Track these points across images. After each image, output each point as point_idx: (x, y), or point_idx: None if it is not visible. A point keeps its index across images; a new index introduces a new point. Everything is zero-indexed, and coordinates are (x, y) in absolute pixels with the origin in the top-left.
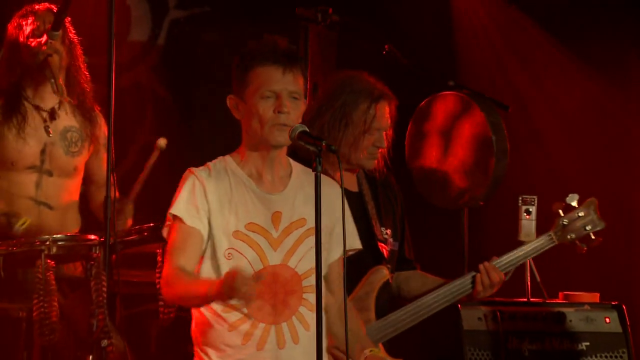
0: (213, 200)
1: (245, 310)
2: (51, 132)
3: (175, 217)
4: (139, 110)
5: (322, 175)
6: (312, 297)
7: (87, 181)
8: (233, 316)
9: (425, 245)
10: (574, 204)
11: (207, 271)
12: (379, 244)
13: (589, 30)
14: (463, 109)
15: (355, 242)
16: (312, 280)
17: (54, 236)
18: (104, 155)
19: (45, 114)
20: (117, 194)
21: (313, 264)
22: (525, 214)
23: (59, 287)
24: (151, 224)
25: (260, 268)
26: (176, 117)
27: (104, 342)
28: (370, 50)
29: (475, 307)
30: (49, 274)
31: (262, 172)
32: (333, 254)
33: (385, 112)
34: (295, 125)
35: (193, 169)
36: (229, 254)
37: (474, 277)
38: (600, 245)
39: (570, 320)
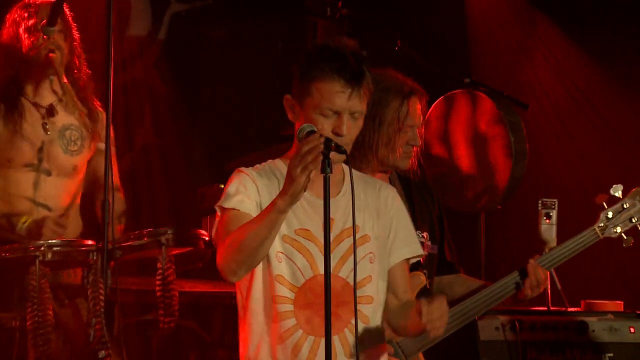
0: (264, 196)
1: (294, 320)
2: (49, 129)
3: (224, 209)
4: (139, 109)
5: (374, 178)
6: (365, 308)
7: (91, 183)
8: (282, 327)
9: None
10: (619, 194)
11: (259, 275)
12: None
13: (610, 25)
14: (480, 108)
15: (417, 249)
16: (366, 290)
17: (49, 241)
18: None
19: (43, 111)
20: (123, 204)
21: (366, 274)
22: (545, 218)
23: (54, 295)
24: (150, 229)
25: (311, 276)
26: (178, 116)
27: (102, 354)
28: (381, 45)
29: (492, 316)
30: (43, 281)
31: (313, 176)
32: (394, 257)
33: (417, 108)
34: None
35: (242, 168)
36: (278, 257)
37: (516, 277)
38: (625, 251)
39: (593, 330)
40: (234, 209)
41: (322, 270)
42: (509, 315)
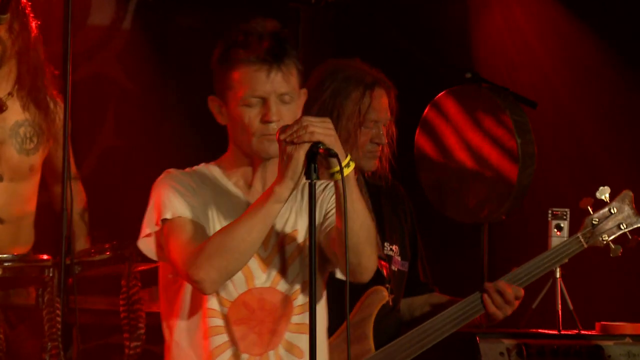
0: (199, 203)
1: (225, 337)
2: None
3: (167, 222)
4: (101, 107)
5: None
6: (303, 318)
7: (50, 182)
8: (212, 343)
9: (437, 266)
10: (605, 198)
11: (188, 286)
12: (378, 261)
13: (631, 18)
14: (482, 106)
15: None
16: (302, 299)
17: None
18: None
19: None
20: (84, 195)
21: (304, 280)
22: (555, 230)
23: (5, 317)
24: (114, 242)
25: (245, 290)
26: (145, 115)
27: None
28: (373, 36)
29: (496, 340)
30: None
31: (251, 182)
32: (327, 223)
33: (382, 102)
34: (284, 126)
35: (172, 170)
36: None
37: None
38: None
39: (609, 356)
40: (181, 217)
41: (258, 284)
42: (514, 339)
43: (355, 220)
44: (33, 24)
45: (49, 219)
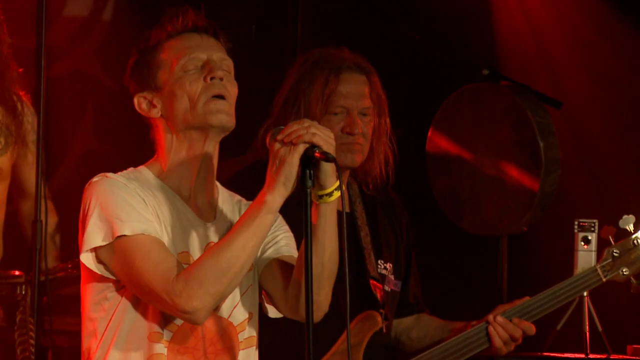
0: (151, 214)
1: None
2: None
3: (125, 237)
4: (78, 106)
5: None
6: (248, 355)
7: (17, 194)
8: None
9: (452, 282)
10: (630, 228)
11: (128, 307)
12: (372, 282)
13: None
14: (501, 106)
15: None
16: (250, 331)
17: None
18: (33, 156)
19: None
20: (55, 216)
21: (249, 310)
22: (582, 243)
23: None
24: None
25: None
26: (126, 114)
27: None
28: (382, 29)
29: None
30: None
31: (190, 190)
32: (272, 253)
33: (354, 88)
34: (275, 128)
35: (110, 174)
36: None
37: (485, 329)
38: None
39: None
40: (143, 234)
41: None
42: None
43: (325, 250)
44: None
45: (16, 232)
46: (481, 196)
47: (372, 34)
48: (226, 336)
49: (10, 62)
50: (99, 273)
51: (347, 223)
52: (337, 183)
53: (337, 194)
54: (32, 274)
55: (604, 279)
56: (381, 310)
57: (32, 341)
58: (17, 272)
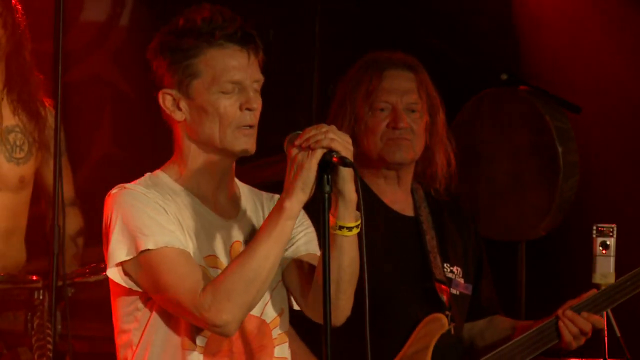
0: (173, 223)
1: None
2: None
3: (150, 252)
4: (96, 111)
5: (258, 191)
6: (282, 350)
7: (42, 200)
8: None
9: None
10: None
11: (159, 316)
12: (437, 285)
13: None
14: (520, 111)
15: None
16: (282, 327)
17: None
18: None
19: None
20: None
21: (282, 306)
22: (601, 248)
23: None
24: None
25: None
26: (143, 119)
27: None
28: (401, 34)
29: None
30: None
31: (210, 190)
32: (294, 252)
33: (398, 82)
34: (292, 133)
35: (127, 185)
36: None
37: (555, 323)
38: None
39: None
40: (167, 247)
41: None
42: None
43: (344, 255)
44: (23, 24)
45: (41, 235)
46: (499, 201)
47: (391, 38)
48: (261, 335)
49: (33, 68)
50: (127, 287)
51: (411, 227)
52: (359, 221)
53: (356, 231)
54: (50, 279)
55: None
56: (447, 312)
57: (49, 346)
58: (34, 277)
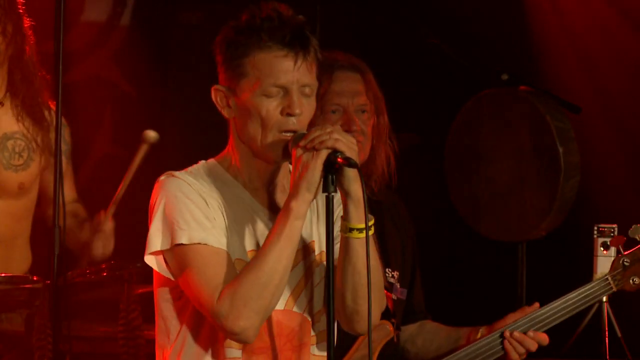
0: (213, 215)
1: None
2: None
3: (183, 246)
4: (97, 110)
5: None
6: (318, 349)
7: (45, 203)
8: None
9: (470, 288)
10: (639, 237)
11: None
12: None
13: None
14: (520, 111)
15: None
16: (323, 325)
17: None
18: (66, 167)
19: None
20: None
21: (322, 303)
22: (602, 249)
23: None
24: (111, 262)
25: None
26: (143, 119)
27: None
28: (403, 32)
29: None
30: None
31: (260, 183)
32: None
33: (348, 85)
34: (297, 133)
35: (175, 173)
36: None
37: (498, 338)
38: None
39: None
40: (200, 244)
41: (280, 306)
42: None
43: (358, 258)
44: (27, 27)
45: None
46: (500, 201)
47: (392, 39)
48: (302, 332)
49: (37, 70)
50: (163, 274)
51: None
52: (370, 222)
53: (369, 232)
54: (50, 280)
55: (615, 288)
56: (393, 320)
57: (50, 347)
58: (35, 278)
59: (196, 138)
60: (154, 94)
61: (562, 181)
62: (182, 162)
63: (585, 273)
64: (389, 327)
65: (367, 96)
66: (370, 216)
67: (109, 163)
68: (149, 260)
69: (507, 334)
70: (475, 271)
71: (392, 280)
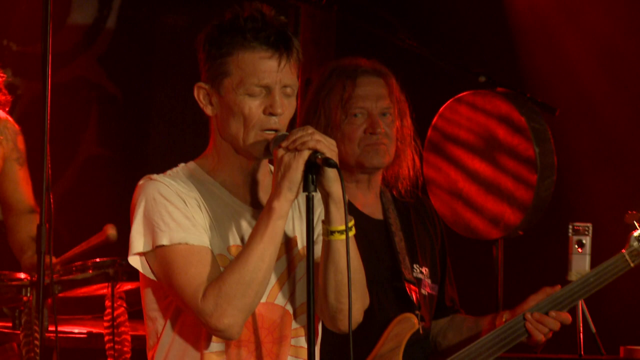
0: (192, 215)
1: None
2: None
3: (164, 247)
4: (82, 112)
5: None
6: (300, 343)
7: (2, 210)
8: None
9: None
10: None
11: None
12: (407, 285)
13: None
14: (497, 113)
15: None
16: (302, 320)
17: None
18: (19, 174)
19: None
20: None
21: (305, 298)
22: (576, 247)
23: None
24: (96, 259)
25: None
26: (129, 121)
27: None
28: (382, 37)
29: None
30: None
31: (240, 181)
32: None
33: (371, 90)
34: (278, 134)
35: (153, 176)
36: None
37: (523, 321)
38: None
39: None
40: (180, 244)
41: (262, 298)
42: None
43: (341, 258)
44: None
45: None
46: (477, 201)
47: (370, 40)
48: (283, 325)
49: None
50: (153, 278)
51: (380, 230)
52: (351, 223)
53: (351, 233)
54: (37, 277)
55: (632, 265)
56: (417, 312)
57: (37, 342)
58: (22, 275)
59: (180, 139)
60: (139, 95)
61: (539, 181)
62: (167, 163)
63: (561, 270)
64: (413, 319)
65: (391, 99)
66: (350, 217)
67: (94, 164)
68: (133, 261)
69: (528, 316)
70: (453, 269)
71: (420, 275)
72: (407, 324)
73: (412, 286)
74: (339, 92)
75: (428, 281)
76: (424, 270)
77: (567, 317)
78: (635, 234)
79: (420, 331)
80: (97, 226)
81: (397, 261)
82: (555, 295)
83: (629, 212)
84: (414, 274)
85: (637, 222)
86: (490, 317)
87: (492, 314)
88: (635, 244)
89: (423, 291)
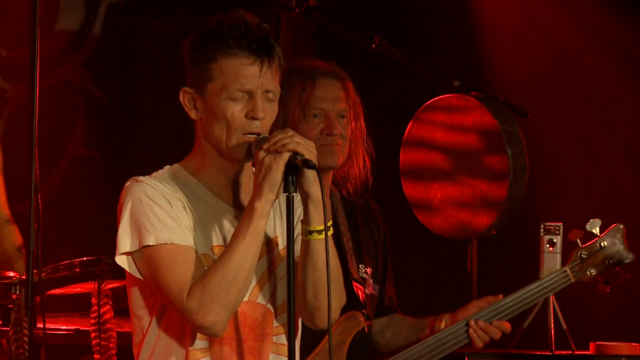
0: (178, 216)
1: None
2: None
3: (150, 247)
4: (69, 115)
5: None
6: (282, 340)
7: None
8: None
9: (422, 284)
10: (596, 231)
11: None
12: (354, 284)
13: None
14: (470, 116)
15: None
16: (283, 319)
17: None
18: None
19: None
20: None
21: (285, 296)
22: (548, 246)
23: None
24: (83, 258)
25: None
26: (114, 124)
27: None
28: (360, 43)
29: None
30: None
31: (223, 183)
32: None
33: (329, 92)
34: (259, 137)
35: (139, 178)
36: None
37: (465, 327)
38: (637, 284)
39: None
40: (166, 244)
41: (244, 297)
42: None
43: (319, 257)
44: None
45: None
46: (450, 202)
47: (345, 46)
48: (264, 322)
49: None
50: (140, 277)
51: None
52: (329, 222)
53: (329, 232)
54: (26, 275)
55: (573, 280)
56: (364, 311)
57: (25, 339)
58: (11, 273)
59: (165, 141)
60: (124, 99)
61: (511, 182)
62: (152, 164)
63: (533, 268)
64: (360, 317)
65: (347, 102)
66: (328, 216)
67: (81, 165)
68: (120, 260)
69: (472, 323)
70: (428, 267)
71: (365, 275)
72: (354, 322)
73: (358, 285)
74: (298, 93)
75: (371, 281)
76: (368, 270)
77: (507, 327)
78: (579, 250)
79: (365, 329)
80: (83, 225)
81: (345, 260)
82: (497, 304)
83: (574, 230)
84: (360, 274)
85: (580, 240)
86: (432, 319)
87: (434, 316)
88: (578, 261)
89: (367, 291)
